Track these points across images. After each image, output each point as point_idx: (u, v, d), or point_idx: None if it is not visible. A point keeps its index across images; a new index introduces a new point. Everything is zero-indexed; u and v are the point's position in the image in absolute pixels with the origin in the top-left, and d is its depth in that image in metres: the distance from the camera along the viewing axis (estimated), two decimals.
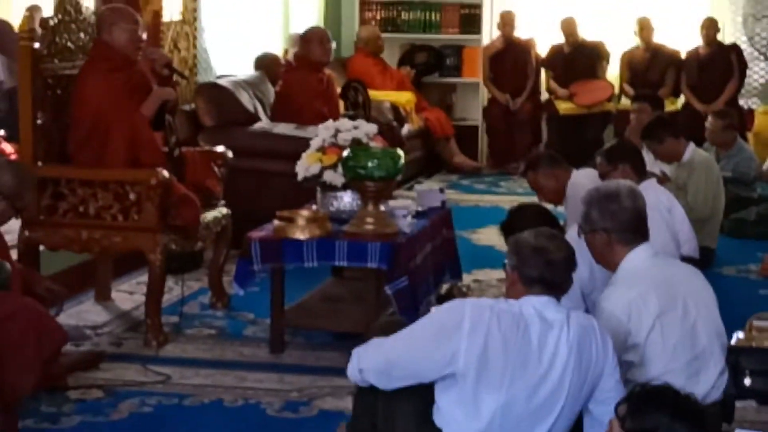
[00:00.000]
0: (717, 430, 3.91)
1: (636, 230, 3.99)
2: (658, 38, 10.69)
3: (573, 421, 3.57)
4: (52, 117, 5.66)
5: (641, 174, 5.60)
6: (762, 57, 10.99)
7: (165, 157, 5.76)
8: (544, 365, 3.46)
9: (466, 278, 6.65)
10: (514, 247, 3.63)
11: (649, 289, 3.86)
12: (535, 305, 3.51)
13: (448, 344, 3.43)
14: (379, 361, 3.57)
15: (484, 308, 3.48)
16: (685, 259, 5.26)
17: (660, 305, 3.82)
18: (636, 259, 3.97)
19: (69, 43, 5.76)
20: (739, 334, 4.64)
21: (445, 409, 3.52)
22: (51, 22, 5.64)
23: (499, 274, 6.85)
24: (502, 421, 3.45)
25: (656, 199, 5.31)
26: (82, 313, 5.99)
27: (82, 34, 5.85)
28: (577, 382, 3.49)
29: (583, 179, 5.81)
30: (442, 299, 5.67)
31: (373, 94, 9.07)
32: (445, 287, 6.14)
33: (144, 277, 5.83)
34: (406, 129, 9.81)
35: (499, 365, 3.42)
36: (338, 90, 8.45)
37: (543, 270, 3.52)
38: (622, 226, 3.97)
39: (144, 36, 5.86)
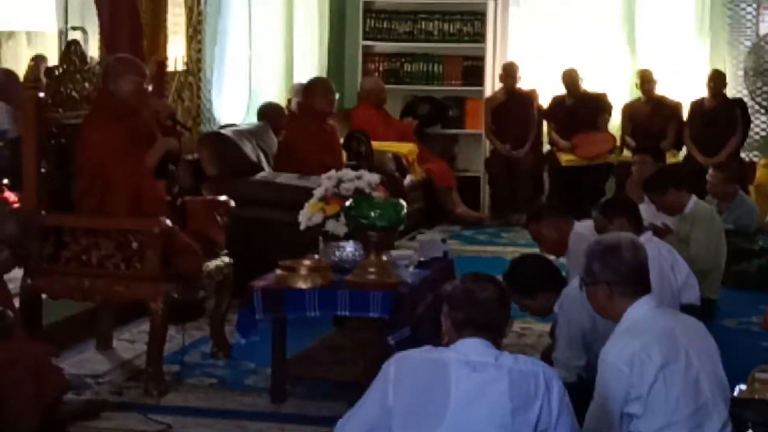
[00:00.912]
0: None
1: (638, 282, 3.99)
2: (658, 90, 10.73)
3: None
4: (56, 166, 5.70)
5: (638, 227, 5.60)
6: (763, 110, 11.01)
7: (167, 206, 5.78)
8: (464, 409, 3.37)
9: None
10: (443, 295, 3.61)
11: (652, 341, 3.85)
12: (460, 348, 3.45)
13: (384, 400, 3.42)
14: None
15: (407, 359, 3.47)
16: (687, 307, 5.27)
17: (663, 357, 3.81)
18: (638, 311, 3.96)
19: (74, 93, 5.80)
20: (742, 387, 4.63)
21: None
22: (56, 72, 5.69)
23: None
24: None
25: (657, 253, 5.31)
26: (83, 362, 5.99)
27: (86, 84, 5.89)
28: (511, 427, 3.38)
29: (585, 231, 5.81)
30: None
31: (375, 144, 9.13)
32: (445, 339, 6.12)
33: (146, 326, 5.83)
34: (408, 179, 9.83)
35: (420, 413, 3.38)
36: (341, 140, 8.50)
37: (470, 310, 3.49)
38: (624, 279, 3.96)
39: (149, 87, 5.90)
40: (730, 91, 10.75)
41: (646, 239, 5.38)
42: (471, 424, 3.37)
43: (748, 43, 11.02)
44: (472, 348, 3.44)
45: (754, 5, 11.05)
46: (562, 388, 3.50)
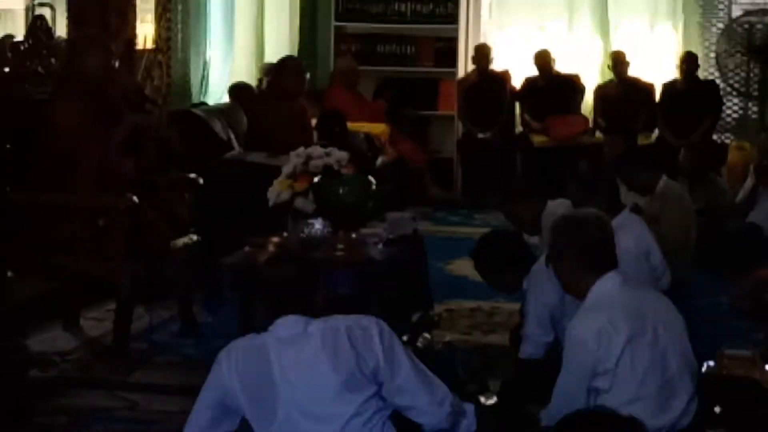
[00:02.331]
0: None
1: (604, 258, 3.97)
2: (631, 72, 10.72)
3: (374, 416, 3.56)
4: (22, 142, 5.63)
5: (617, 205, 5.56)
6: (735, 93, 11.03)
7: (135, 183, 5.73)
8: (292, 382, 3.52)
9: (439, 308, 6.63)
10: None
11: (619, 315, 3.84)
12: (273, 329, 3.61)
13: (225, 387, 3.56)
14: None
15: (232, 350, 3.63)
16: None
17: (630, 331, 3.80)
18: (605, 286, 3.94)
19: (39, 68, 5.74)
20: (710, 364, 4.63)
21: None
22: (21, 47, 5.63)
23: (472, 303, 6.86)
24: None
25: (636, 236, 5.29)
26: (49, 340, 5.94)
27: (52, 60, 5.83)
28: (344, 380, 3.52)
29: (558, 209, 5.78)
30: (413, 328, 5.63)
31: (347, 125, 9.06)
32: (416, 316, 6.10)
33: (114, 305, 5.78)
34: (380, 160, 9.80)
35: (258, 395, 3.55)
36: (314, 121, 8.44)
37: (273, 295, 3.67)
38: (590, 254, 3.95)
39: (117, 64, 5.85)
40: (702, 73, 10.76)
41: (628, 221, 5.36)
42: (304, 394, 3.52)
43: (721, 25, 11.02)
44: (283, 325, 3.60)
45: None
46: (385, 331, 3.62)
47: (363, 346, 3.57)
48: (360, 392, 3.54)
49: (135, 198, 5.43)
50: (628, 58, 10.67)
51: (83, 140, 5.54)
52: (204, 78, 8.86)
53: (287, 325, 3.59)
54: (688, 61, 10.42)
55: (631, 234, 5.23)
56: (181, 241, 5.92)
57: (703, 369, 4.41)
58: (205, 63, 8.86)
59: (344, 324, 3.61)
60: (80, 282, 5.95)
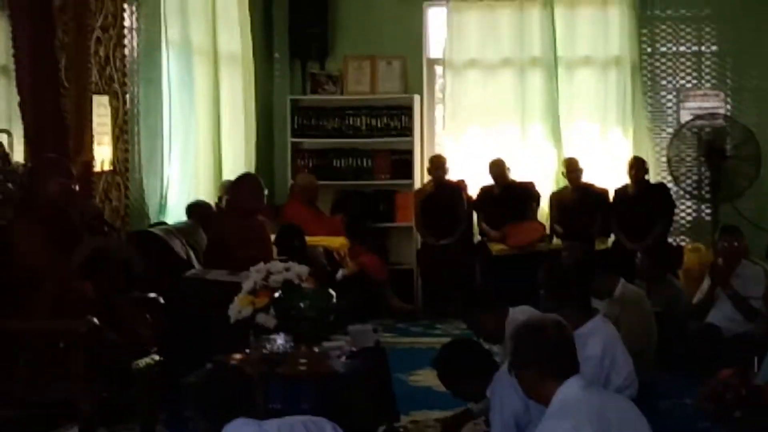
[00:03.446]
0: None
1: (565, 362, 3.99)
2: (585, 178, 10.86)
3: None
4: None
5: (587, 311, 5.58)
6: (688, 195, 11.18)
7: (96, 305, 5.72)
8: None
9: (405, 420, 6.61)
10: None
11: (584, 419, 3.85)
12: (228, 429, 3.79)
13: None
14: None
15: None
16: None
17: None
18: (568, 391, 3.96)
19: None
20: None
21: None
22: None
23: (437, 414, 6.83)
24: None
25: (607, 345, 5.34)
26: None
27: (10, 185, 5.85)
28: None
29: (521, 316, 5.82)
30: None
31: (306, 239, 9.11)
32: (382, 429, 6.09)
33: (76, 429, 5.71)
34: (340, 273, 9.83)
35: None
36: (272, 236, 8.48)
37: (220, 401, 3.93)
38: (551, 360, 3.97)
39: (76, 187, 5.88)
40: (655, 177, 10.93)
41: (596, 325, 5.40)
42: None
43: (670, 130, 11.22)
44: (235, 428, 3.80)
45: (674, 93, 11.30)
46: (339, 430, 3.88)
47: None
48: None
49: (95, 320, 5.42)
50: (581, 165, 10.83)
51: (43, 264, 5.54)
52: (163, 197, 8.89)
53: (239, 427, 3.75)
54: (636, 166, 10.60)
55: (600, 341, 5.28)
56: (143, 361, 5.89)
57: None
58: (163, 183, 8.90)
59: (299, 419, 3.79)
60: (41, 407, 5.88)
